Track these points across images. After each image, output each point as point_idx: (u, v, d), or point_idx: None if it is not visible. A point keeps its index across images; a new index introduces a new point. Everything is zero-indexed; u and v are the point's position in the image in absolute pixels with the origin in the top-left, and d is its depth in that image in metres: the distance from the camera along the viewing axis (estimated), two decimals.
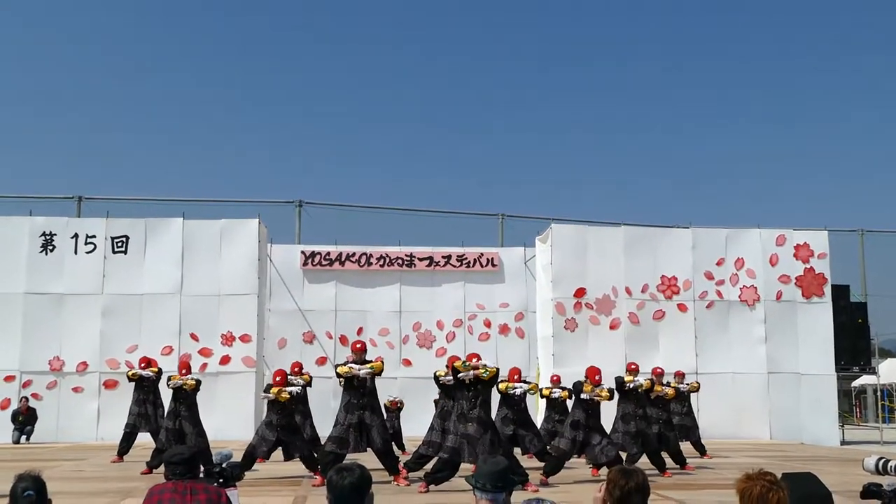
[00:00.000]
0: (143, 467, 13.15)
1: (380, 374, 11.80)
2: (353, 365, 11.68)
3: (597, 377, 12.24)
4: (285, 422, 12.22)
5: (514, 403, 13.53)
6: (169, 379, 13.67)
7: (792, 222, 24.81)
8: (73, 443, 20.09)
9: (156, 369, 15.51)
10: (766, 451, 18.12)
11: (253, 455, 11.99)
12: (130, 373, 15.76)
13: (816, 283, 23.26)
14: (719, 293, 22.98)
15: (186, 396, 13.40)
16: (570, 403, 13.62)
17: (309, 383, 14.14)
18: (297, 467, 12.56)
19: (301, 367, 14.64)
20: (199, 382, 13.70)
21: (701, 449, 16.50)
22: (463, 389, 11.09)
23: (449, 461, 10.88)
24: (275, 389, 12.20)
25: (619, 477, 3.87)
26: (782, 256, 23.33)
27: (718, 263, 23.13)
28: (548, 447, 12.91)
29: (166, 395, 14.26)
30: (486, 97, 74.87)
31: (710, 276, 23.01)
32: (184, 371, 13.70)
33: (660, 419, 14.07)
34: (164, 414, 14.83)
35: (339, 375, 11.76)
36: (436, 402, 13.78)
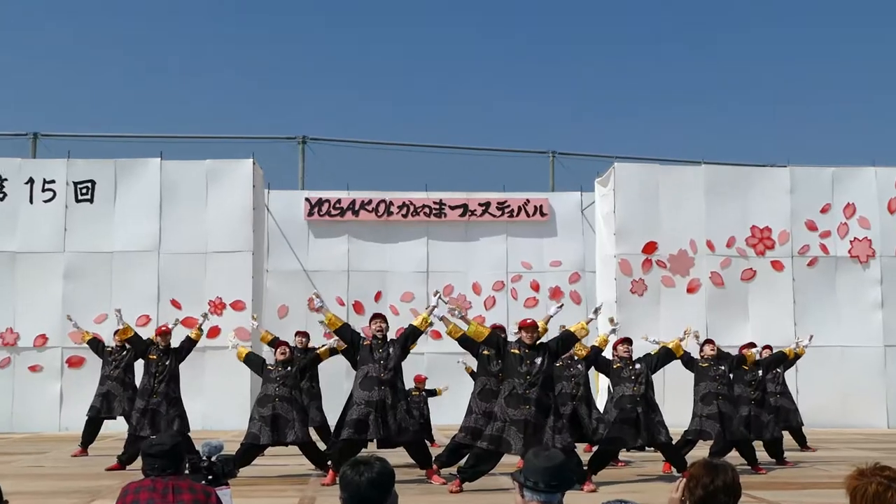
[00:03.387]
0: (112, 462, 13.23)
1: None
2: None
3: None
4: (286, 393, 12.10)
5: (574, 376, 13.55)
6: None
7: None
8: (31, 433, 20.40)
9: (122, 340, 15.29)
10: (883, 443, 18.08)
11: (255, 447, 11.91)
12: (83, 333, 16.14)
13: None
14: (824, 247, 22.82)
15: (161, 370, 13.36)
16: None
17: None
18: (302, 461, 12.66)
19: (307, 337, 14.80)
20: (166, 356, 13.50)
21: (801, 440, 16.41)
22: (515, 363, 10.95)
23: (488, 452, 10.91)
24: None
25: (704, 473, 3.85)
26: None
27: (823, 210, 22.96)
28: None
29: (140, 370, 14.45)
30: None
31: (812, 227, 22.86)
32: (159, 338, 13.71)
33: (751, 399, 13.84)
34: (134, 395, 14.92)
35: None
36: (472, 374, 13.80)
